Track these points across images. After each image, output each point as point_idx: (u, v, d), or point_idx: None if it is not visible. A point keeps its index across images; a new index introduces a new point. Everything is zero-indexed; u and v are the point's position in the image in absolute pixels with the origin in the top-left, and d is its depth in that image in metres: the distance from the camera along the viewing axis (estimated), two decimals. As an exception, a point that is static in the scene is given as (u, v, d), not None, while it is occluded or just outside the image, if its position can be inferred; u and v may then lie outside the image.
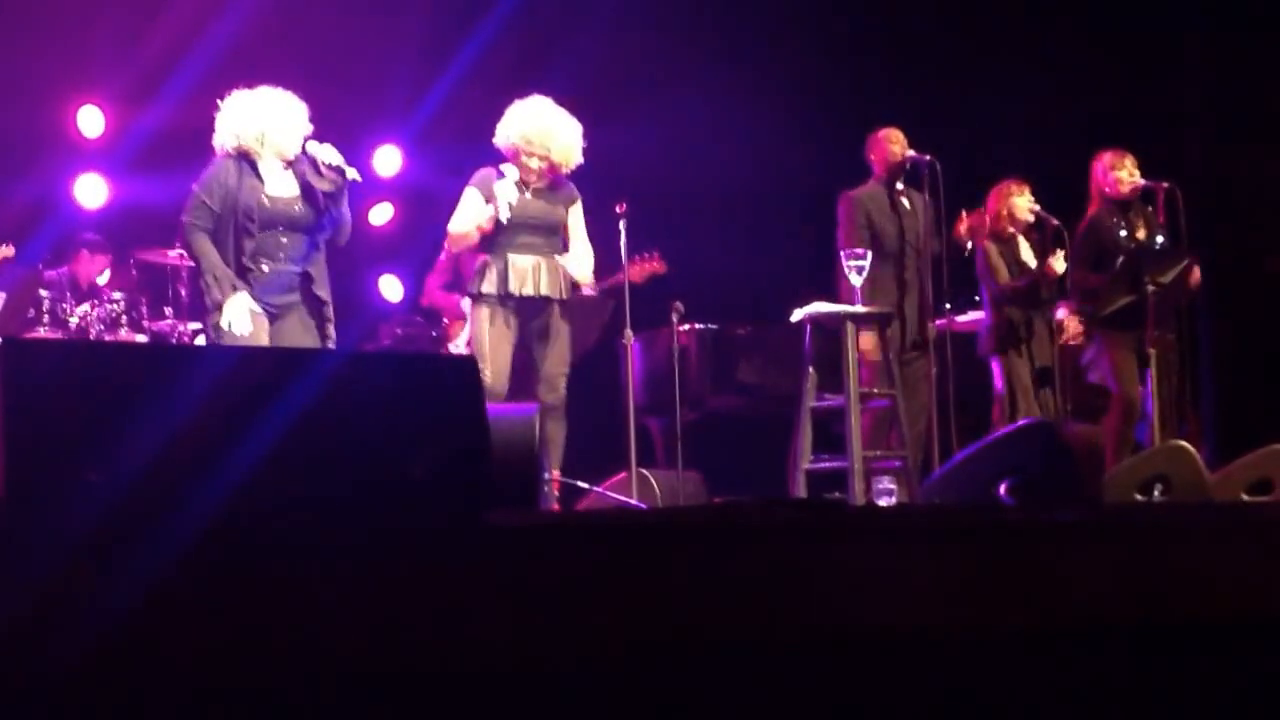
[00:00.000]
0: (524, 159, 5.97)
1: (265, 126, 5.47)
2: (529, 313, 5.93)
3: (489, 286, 5.88)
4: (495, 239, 5.90)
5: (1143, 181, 7.13)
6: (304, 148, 5.52)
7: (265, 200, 5.44)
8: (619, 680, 2.54)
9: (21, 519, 2.43)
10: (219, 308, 5.35)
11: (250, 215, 5.41)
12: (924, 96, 8.47)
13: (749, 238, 8.50)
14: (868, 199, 6.94)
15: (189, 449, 2.56)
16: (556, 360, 5.93)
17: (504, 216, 5.87)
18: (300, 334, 5.45)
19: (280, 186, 5.51)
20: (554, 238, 6.01)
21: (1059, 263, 7.04)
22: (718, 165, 8.59)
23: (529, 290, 5.89)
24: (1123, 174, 7.10)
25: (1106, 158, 7.18)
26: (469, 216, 5.93)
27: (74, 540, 2.27)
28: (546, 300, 5.93)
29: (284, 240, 5.45)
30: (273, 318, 5.44)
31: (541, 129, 5.99)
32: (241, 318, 5.32)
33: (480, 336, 5.85)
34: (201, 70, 5.73)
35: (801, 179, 8.19)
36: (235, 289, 5.37)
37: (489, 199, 5.91)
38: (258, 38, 7.79)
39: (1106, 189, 7.14)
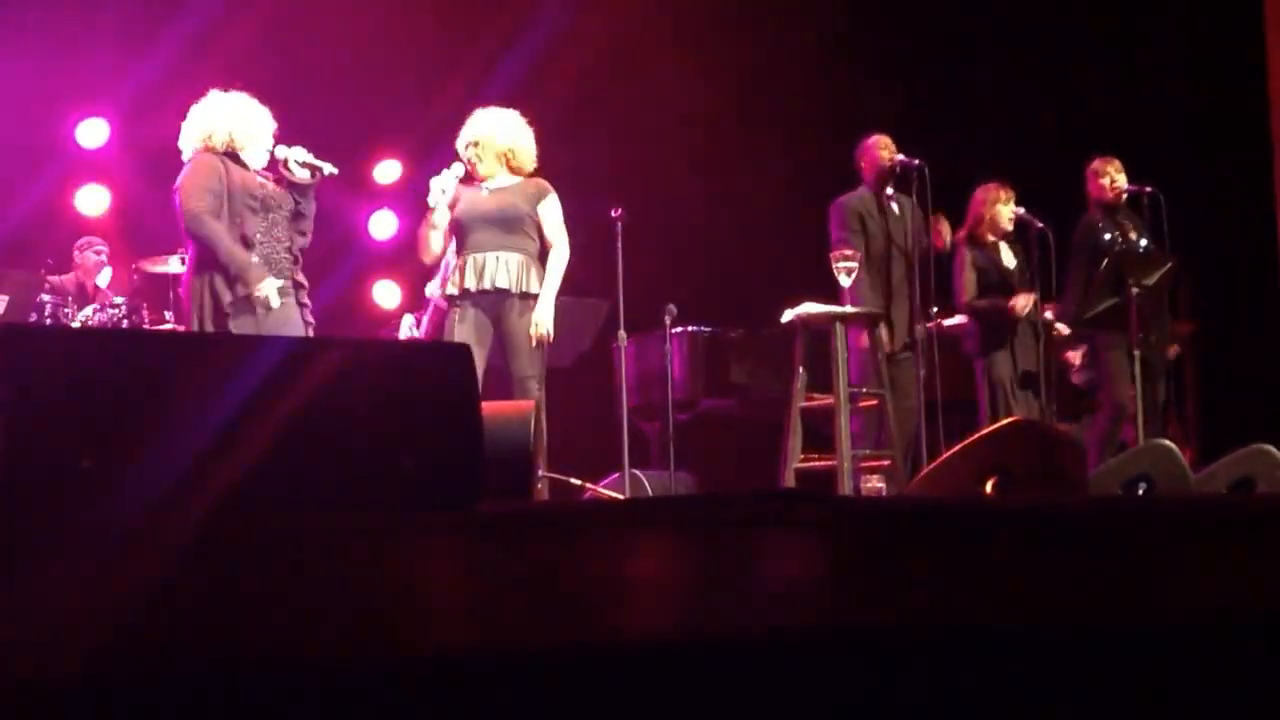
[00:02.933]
0: (470, 155, 6.08)
1: (232, 128, 5.56)
2: (490, 309, 5.92)
3: (452, 288, 5.94)
4: (459, 241, 5.98)
5: (1128, 185, 7.23)
6: (273, 154, 5.60)
7: (258, 182, 5.55)
8: (611, 670, 2.58)
9: (20, 508, 2.45)
10: (250, 288, 5.40)
11: (252, 194, 5.50)
12: (916, 98, 8.54)
13: (741, 241, 8.55)
14: (858, 204, 7.02)
15: (185, 438, 2.58)
16: (524, 363, 5.88)
17: (432, 201, 5.97)
18: (294, 318, 5.52)
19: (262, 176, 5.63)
20: (515, 234, 5.98)
21: (1021, 301, 7.07)
22: (711, 168, 8.65)
23: (485, 284, 5.88)
24: (1104, 180, 7.20)
25: (1095, 163, 7.28)
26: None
27: (70, 530, 2.30)
28: (504, 293, 5.90)
29: (277, 226, 5.54)
30: (267, 309, 5.50)
31: (478, 130, 6.10)
32: (276, 294, 5.43)
33: (450, 337, 5.84)
34: (203, 83, 5.83)
35: (792, 182, 8.26)
36: (258, 271, 5.43)
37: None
38: (261, 51, 7.86)
39: (1094, 194, 7.25)
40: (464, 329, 5.87)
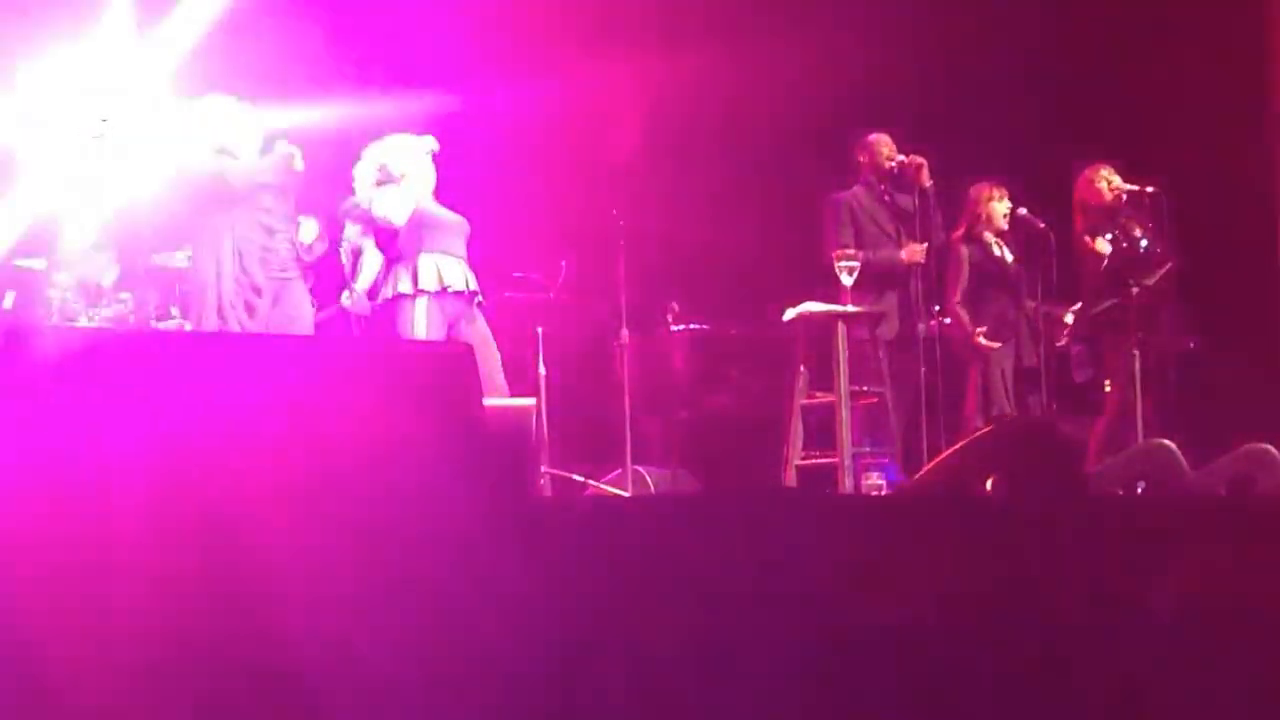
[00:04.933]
0: (429, 166, 6.19)
1: (219, 124, 5.69)
2: (449, 309, 5.98)
3: (426, 282, 5.93)
4: (416, 238, 6.02)
5: (1128, 186, 7.24)
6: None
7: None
8: (612, 662, 2.60)
9: (27, 504, 2.47)
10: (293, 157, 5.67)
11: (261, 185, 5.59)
12: (917, 97, 8.54)
13: (742, 239, 8.56)
14: (852, 201, 7.03)
15: (190, 435, 2.60)
16: (487, 356, 5.89)
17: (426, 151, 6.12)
18: (301, 309, 5.58)
19: None
20: (464, 244, 6.14)
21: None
22: (713, 168, 8.66)
23: (449, 284, 5.95)
24: (1101, 185, 7.22)
25: (1087, 171, 7.30)
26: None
27: (75, 527, 2.32)
28: (468, 296, 6.02)
29: (278, 214, 5.60)
30: (274, 299, 5.55)
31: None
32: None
33: (416, 333, 5.84)
34: (206, 77, 5.93)
35: (794, 181, 8.26)
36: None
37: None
38: (260, 43, 7.86)
39: (1091, 200, 7.25)
40: (430, 324, 5.90)
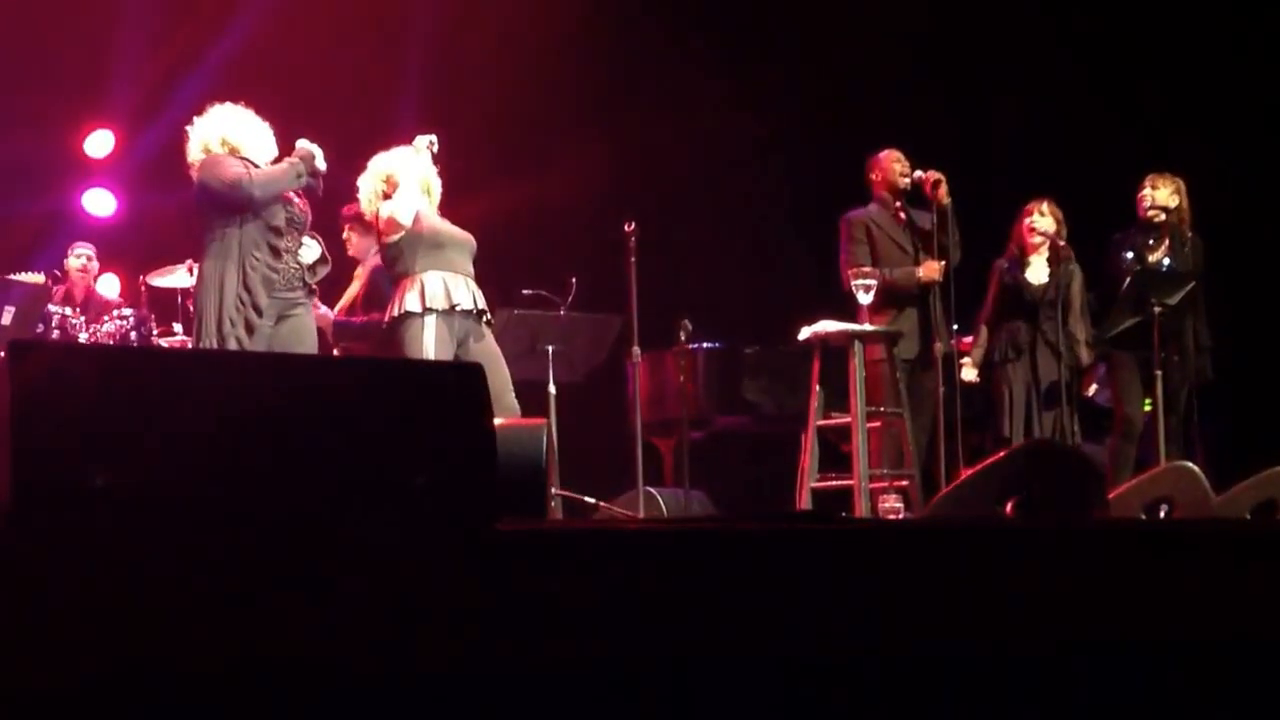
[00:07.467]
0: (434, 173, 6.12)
1: (224, 131, 5.62)
2: (457, 328, 5.89)
3: (434, 300, 5.84)
4: (431, 259, 5.92)
5: (1164, 204, 7.16)
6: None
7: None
8: (624, 688, 2.55)
9: (32, 525, 2.43)
10: (312, 159, 5.59)
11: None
12: (937, 113, 8.50)
13: (755, 256, 8.53)
14: (867, 220, 6.95)
15: (198, 455, 2.56)
16: (496, 374, 5.76)
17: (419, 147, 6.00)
18: (307, 329, 5.54)
19: None
20: (471, 260, 6.04)
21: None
22: (726, 183, 8.63)
23: (457, 303, 5.86)
24: (1143, 195, 7.16)
25: (1146, 180, 7.22)
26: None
27: (79, 546, 2.28)
28: (475, 314, 5.92)
29: (290, 234, 5.57)
30: (279, 318, 5.50)
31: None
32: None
33: (424, 351, 5.76)
34: (208, 92, 5.91)
35: (808, 197, 8.22)
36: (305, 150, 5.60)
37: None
38: (260, 61, 7.87)
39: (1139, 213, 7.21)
40: (439, 342, 5.81)
